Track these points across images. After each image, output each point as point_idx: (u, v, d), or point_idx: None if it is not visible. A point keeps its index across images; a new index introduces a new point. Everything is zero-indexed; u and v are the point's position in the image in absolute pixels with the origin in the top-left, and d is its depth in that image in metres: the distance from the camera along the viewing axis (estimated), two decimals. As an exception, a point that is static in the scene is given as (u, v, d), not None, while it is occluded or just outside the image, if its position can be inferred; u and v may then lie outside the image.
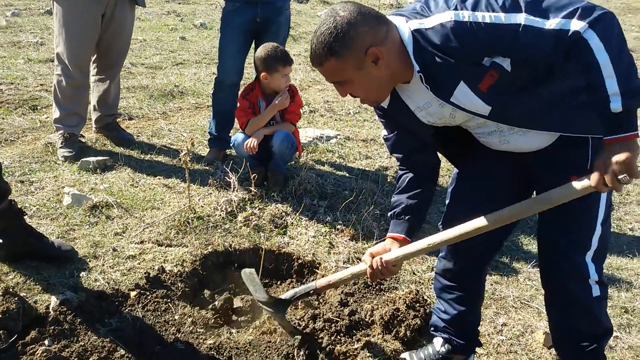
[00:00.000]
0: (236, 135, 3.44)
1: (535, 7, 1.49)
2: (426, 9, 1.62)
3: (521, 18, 1.48)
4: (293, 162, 3.73)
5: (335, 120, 4.86)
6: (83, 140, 3.81)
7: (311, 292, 2.16)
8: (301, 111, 3.49)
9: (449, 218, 1.98)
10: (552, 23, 1.46)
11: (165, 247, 2.80)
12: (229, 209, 3.14)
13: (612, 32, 1.46)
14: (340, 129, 4.65)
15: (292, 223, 3.11)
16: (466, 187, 2.02)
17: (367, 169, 3.91)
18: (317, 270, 2.81)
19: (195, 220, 3.03)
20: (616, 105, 1.45)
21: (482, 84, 1.60)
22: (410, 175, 1.98)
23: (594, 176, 1.54)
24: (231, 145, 3.51)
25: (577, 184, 1.61)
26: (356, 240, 3.02)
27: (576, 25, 1.44)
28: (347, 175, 3.77)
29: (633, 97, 1.46)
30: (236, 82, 3.69)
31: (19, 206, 2.50)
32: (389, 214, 2.03)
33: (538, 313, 2.59)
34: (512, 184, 1.96)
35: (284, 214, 3.17)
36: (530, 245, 3.16)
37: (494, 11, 1.50)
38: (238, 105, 3.38)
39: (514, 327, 2.48)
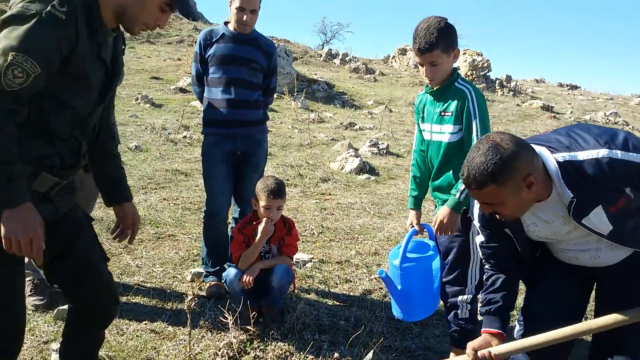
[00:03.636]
0: (228, 271, 3.32)
1: None
2: (575, 143, 1.90)
3: None
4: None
5: (303, 242, 4.84)
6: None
7: None
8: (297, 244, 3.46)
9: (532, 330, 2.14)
10: None
11: (174, 404, 2.57)
12: (230, 354, 2.96)
13: None
14: (310, 251, 4.63)
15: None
16: (544, 304, 2.22)
17: (351, 294, 3.88)
18: (338, 414, 2.67)
19: (198, 369, 2.82)
20: None
21: (612, 207, 1.89)
22: (502, 276, 2.20)
23: None
24: (223, 281, 3.38)
25: None
26: (369, 375, 2.92)
27: None
28: (336, 302, 3.72)
29: None
30: (227, 214, 3.66)
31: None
32: (482, 309, 2.21)
33: None
34: (580, 294, 2.25)
35: (288, 353, 3.02)
36: None
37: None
38: (233, 238, 3.30)
39: None
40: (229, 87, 3.54)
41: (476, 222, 2.21)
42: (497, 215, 1.98)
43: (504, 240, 2.16)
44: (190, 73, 3.80)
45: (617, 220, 1.91)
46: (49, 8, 1.77)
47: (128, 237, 2.41)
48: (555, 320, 2.07)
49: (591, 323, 2.03)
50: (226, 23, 3.66)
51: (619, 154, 1.83)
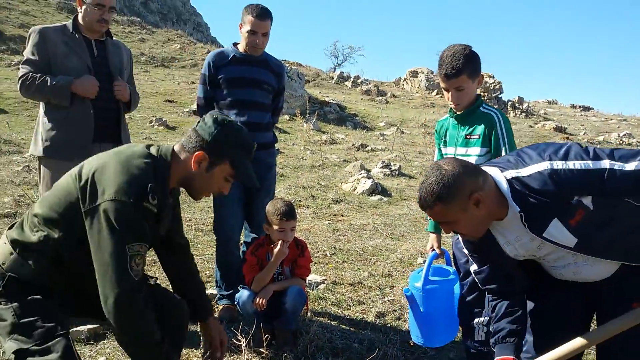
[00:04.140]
0: (241, 293, 3.30)
1: (613, 155, 1.92)
2: (521, 160, 2.00)
3: (606, 163, 1.89)
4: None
5: (315, 263, 4.83)
6: (65, 307, 3.52)
7: None
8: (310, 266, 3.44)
9: (537, 348, 2.21)
10: (631, 166, 1.88)
11: None
12: (243, 376, 2.95)
13: None
14: (323, 272, 4.61)
15: (312, 385, 2.95)
16: (544, 322, 2.25)
17: (364, 316, 3.84)
18: None
19: (210, 392, 2.79)
20: None
21: (572, 220, 1.93)
22: (505, 302, 2.23)
23: None
24: (235, 302, 3.37)
25: None
26: (383, 399, 2.89)
27: None
28: (348, 324, 3.68)
29: None
30: (239, 237, 3.65)
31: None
32: (492, 339, 2.24)
33: None
34: (580, 312, 2.23)
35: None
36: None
37: (583, 159, 1.90)
38: (246, 260, 3.29)
39: None
40: (243, 109, 3.55)
41: (465, 250, 2.29)
42: (457, 234, 2.09)
43: (495, 263, 2.21)
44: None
45: (583, 232, 1.94)
46: (145, 203, 1.96)
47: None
48: (556, 338, 2.09)
49: (596, 332, 2.05)
50: (235, 44, 3.68)
51: (559, 164, 1.90)
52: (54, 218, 2.02)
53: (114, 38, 3.70)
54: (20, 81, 3.35)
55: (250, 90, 3.58)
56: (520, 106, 19.32)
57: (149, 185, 1.96)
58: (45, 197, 2.11)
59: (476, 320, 2.84)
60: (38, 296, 2.00)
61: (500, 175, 1.99)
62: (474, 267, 2.29)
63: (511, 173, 1.97)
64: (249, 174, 2.19)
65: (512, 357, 2.14)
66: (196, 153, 2.08)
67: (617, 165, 1.87)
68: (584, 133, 16.45)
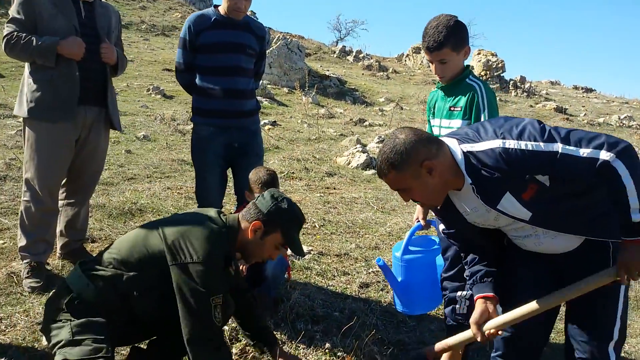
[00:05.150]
0: (223, 259, 3.31)
1: (568, 139, 1.86)
2: (477, 135, 2.01)
3: (558, 147, 1.84)
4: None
5: (303, 234, 4.83)
6: (49, 268, 3.54)
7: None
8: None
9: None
10: (585, 152, 1.81)
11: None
12: (222, 340, 2.96)
13: (636, 161, 1.81)
14: (310, 243, 4.62)
15: (290, 352, 2.97)
16: (511, 288, 2.27)
17: (347, 286, 3.87)
18: (325, 404, 2.66)
19: (188, 354, 2.82)
20: (637, 217, 1.80)
21: (524, 195, 1.95)
22: (473, 254, 2.30)
23: (621, 270, 1.89)
24: (217, 269, 3.37)
25: (606, 273, 1.96)
26: (359, 367, 2.91)
27: (605, 155, 1.79)
28: (331, 294, 3.71)
29: None
30: (221, 206, 3.61)
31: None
32: (469, 281, 2.30)
33: None
34: (547, 285, 2.18)
35: (280, 342, 3.02)
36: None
37: (535, 140, 1.86)
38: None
39: None
40: (228, 75, 3.47)
41: (433, 211, 2.35)
42: (414, 201, 2.14)
43: (459, 229, 2.28)
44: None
45: (536, 207, 1.95)
46: (228, 269, 2.40)
47: None
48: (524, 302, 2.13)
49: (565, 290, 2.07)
50: (216, 6, 3.57)
51: (511, 143, 1.88)
52: (132, 262, 2.29)
53: (103, 0, 3.64)
54: (4, 40, 3.30)
55: (233, 55, 3.49)
56: (522, 85, 19.17)
57: (228, 252, 2.35)
58: (125, 242, 2.39)
59: (459, 293, 2.85)
60: (95, 318, 2.21)
61: (457, 147, 2.01)
62: (442, 227, 2.36)
63: (466, 147, 1.99)
64: (297, 244, 2.50)
65: (492, 294, 2.20)
66: (253, 222, 2.40)
67: (570, 149, 1.82)
68: (585, 115, 16.35)
